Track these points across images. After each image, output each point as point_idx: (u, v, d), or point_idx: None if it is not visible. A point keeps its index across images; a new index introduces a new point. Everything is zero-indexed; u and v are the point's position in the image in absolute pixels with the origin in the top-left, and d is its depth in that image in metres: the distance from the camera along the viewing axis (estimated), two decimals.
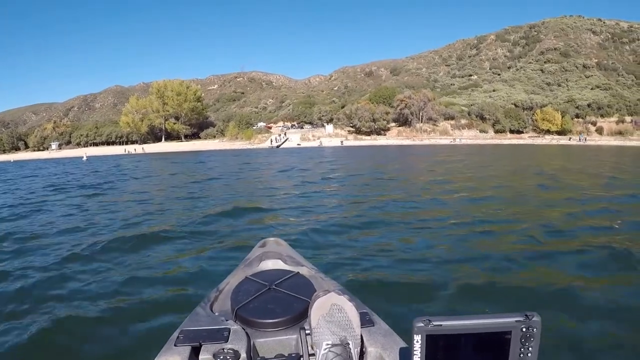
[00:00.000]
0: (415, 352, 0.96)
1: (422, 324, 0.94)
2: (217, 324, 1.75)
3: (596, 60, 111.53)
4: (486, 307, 3.90)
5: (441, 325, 0.94)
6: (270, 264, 2.41)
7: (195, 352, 1.59)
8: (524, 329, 0.94)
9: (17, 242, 7.35)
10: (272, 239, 2.94)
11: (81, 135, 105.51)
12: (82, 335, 3.59)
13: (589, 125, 75.71)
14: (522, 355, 0.96)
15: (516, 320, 0.95)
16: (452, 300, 4.06)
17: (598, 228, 7.20)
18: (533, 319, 0.95)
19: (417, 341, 0.95)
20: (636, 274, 4.84)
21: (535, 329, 0.94)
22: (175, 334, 1.70)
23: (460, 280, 4.55)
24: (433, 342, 0.96)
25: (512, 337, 0.95)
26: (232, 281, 2.30)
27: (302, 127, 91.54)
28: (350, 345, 1.33)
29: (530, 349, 0.95)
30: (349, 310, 1.40)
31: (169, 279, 5.01)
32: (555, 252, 5.70)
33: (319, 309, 1.40)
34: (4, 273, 5.41)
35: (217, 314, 1.92)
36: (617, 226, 7.27)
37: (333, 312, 1.37)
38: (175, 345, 1.62)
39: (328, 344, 1.31)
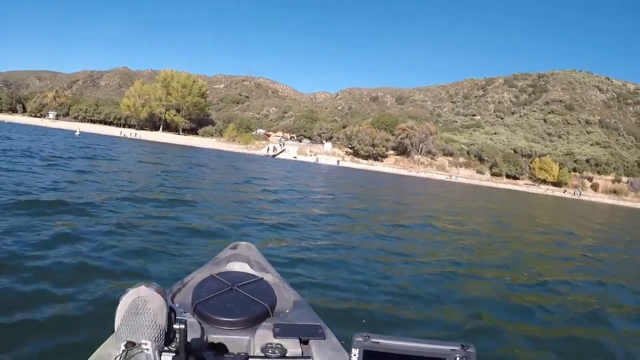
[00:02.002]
0: None
1: (361, 339, 0.96)
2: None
3: (599, 118, 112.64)
4: (434, 334, 4.08)
5: (378, 342, 0.97)
6: (237, 266, 2.41)
7: None
8: (458, 359, 0.95)
9: None
10: (244, 243, 2.95)
11: (80, 109, 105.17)
12: (26, 321, 3.39)
13: (585, 180, 75.95)
14: None
15: (451, 349, 0.96)
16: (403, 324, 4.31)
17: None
18: (468, 350, 0.95)
19: (355, 355, 0.98)
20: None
21: None
22: None
23: (415, 306, 4.87)
24: (369, 358, 0.98)
25: None
26: (197, 277, 2.31)
27: (300, 141, 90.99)
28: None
29: None
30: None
31: (131, 268, 4.91)
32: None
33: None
34: None
35: (177, 305, 1.95)
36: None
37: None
38: None
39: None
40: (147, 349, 1.12)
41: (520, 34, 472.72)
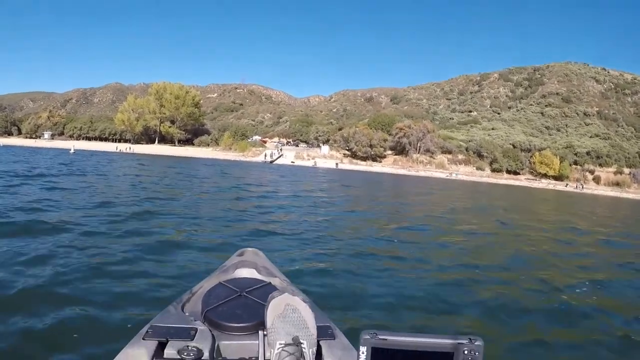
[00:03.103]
0: None
1: (369, 337, 0.97)
2: (186, 323, 1.83)
3: (597, 109, 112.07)
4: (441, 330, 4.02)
5: (386, 339, 0.97)
6: (244, 273, 2.45)
7: (162, 347, 1.67)
8: (465, 352, 0.96)
9: None
10: (250, 249, 2.96)
11: (75, 127, 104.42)
12: (51, 325, 3.60)
13: (587, 173, 75.10)
14: None
15: (459, 343, 0.97)
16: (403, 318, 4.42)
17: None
18: (476, 343, 0.96)
19: (363, 352, 0.99)
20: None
21: (477, 353, 0.96)
22: (145, 329, 1.78)
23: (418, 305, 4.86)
24: (378, 355, 0.99)
25: (454, 359, 0.97)
26: (205, 285, 2.36)
27: (297, 145, 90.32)
28: (304, 345, 1.36)
29: None
30: (303, 310, 1.46)
31: (144, 277, 5.08)
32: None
33: (274, 309, 1.45)
34: None
35: (187, 314, 2.00)
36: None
37: (287, 312, 1.42)
38: (143, 339, 1.69)
39: (281, 343, 1.35)
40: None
41: (513, 27, 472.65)
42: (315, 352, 1.43)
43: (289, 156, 74.04)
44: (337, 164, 70.33)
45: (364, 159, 75.99)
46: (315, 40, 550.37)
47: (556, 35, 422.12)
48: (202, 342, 1.64)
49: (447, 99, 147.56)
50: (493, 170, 75.73)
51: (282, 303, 1.44)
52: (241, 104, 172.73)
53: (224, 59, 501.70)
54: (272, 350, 1.37)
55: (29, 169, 20.03)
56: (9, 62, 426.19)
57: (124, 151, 70.05)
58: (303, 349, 1.34)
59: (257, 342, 1.66)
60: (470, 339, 0.97)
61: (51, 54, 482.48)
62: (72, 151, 53.39)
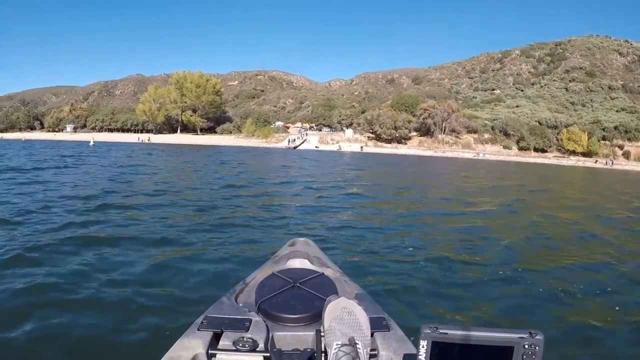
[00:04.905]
0: (420, 357, 1.02)
1: (429, 331, 0.98)
2: (240, 314, 1.85)
3: (622, 82, 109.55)
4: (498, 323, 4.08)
5: (447, 333, 0.98)
6: (297, 263, 2.47)
7: (217, 337, 1.69)
8: (526, 346, 0.97)
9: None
10: (301, 239, 2.99)
11: (97, 120, 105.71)
12: (109, 317, 3.77)
13: (616, 148, 73.57)
14: None
15: (519, 337, 0.97)
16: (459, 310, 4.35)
17: None
18: (536, 337, 0.97)
19: (423, 346, 1.00)
20: None
21: (537, 347, 0.97)
22: (200, 319, 1.81)
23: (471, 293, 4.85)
24: (438, 349, 1.00)
25: (515, 352, 0.97)
26: (258, 276, 2.39)
27: (320, 130, 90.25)
28: (359, 346, 1.41)
29: None
30: (358, 313, 1.50)
31: (197, 268, 5.22)
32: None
33: (330, 312, 1.50)
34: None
35: (241, 305, 2.02)
36: None
37: (343, 315, 1.47)
38: (198, 330, 1.72)
39: (338, 344, 1.40)
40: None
41: (534, 2, 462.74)
42: (369, 352, 1.45)
43: (313, 141, 74.02)
44: (362, 147, 70.12)
45: (389, 141, 75.63)
46: (334, 23, 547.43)
47: (576, 8, 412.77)
48: (257, 334, 1.66)
49: (469, 78, 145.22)
50: (520, 149, 74.59)
51: (338, 306, 1.50)
52: (262, 91, 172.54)
53: (243, 46, 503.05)
54: (329, 351, 1.42)
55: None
56: (31, 58, 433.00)
57: (147, 141, 70.85)
58: (358, 349, 1.39)
59: (313, 333, 1.71)
60: (530, 332, 0.98)
61: (73, 47, 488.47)
62: (91, 143, 54.34)
